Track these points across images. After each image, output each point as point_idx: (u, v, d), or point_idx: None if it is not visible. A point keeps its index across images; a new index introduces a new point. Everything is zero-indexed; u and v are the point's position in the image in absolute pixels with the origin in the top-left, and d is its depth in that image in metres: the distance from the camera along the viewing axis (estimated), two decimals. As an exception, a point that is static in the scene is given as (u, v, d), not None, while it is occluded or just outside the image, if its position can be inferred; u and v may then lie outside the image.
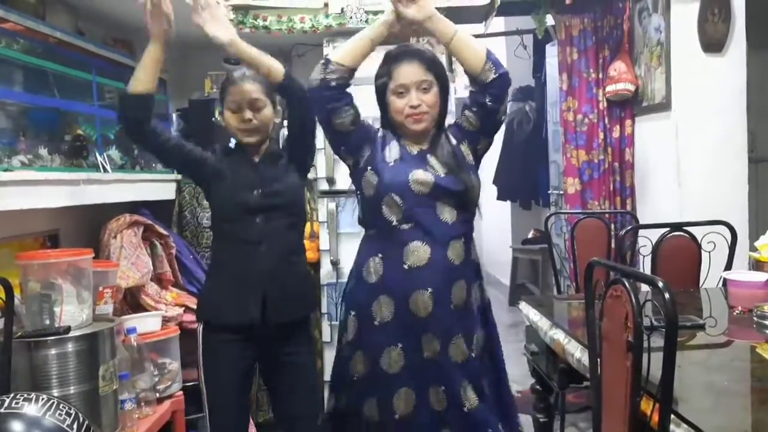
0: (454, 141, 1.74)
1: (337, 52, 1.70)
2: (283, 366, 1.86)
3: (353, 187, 1.81)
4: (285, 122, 2.05)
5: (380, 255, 1.70)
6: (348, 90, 1.71)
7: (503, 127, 4.94)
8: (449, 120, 1.85)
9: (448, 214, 1.67)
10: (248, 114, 1.80)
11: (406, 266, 1.66)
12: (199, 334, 1.86)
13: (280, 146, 2.00)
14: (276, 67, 1.76)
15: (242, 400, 1.87)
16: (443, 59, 1.86)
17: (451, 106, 2.33)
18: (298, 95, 1.78)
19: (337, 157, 2.75)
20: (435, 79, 1.69)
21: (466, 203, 1.71)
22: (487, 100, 1.66)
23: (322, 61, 1.69)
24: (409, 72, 1.67)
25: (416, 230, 1.66)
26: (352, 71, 1.70)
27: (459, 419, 1.67)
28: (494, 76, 1.63)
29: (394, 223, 1.68)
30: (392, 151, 1.72)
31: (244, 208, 1.81)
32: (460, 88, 3.76)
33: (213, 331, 1.83)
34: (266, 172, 1.85)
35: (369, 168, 1.72)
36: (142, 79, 1.71)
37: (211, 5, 1.71)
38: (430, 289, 1.65)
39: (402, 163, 1.70)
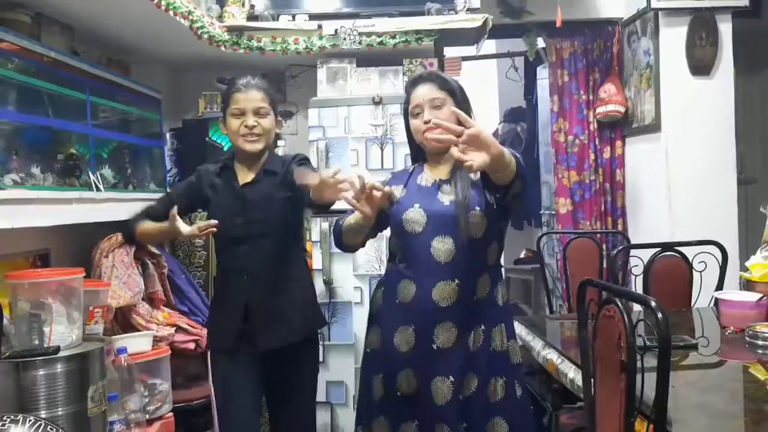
0: (476, 176, 1.66)
1: (343, 238, 1.77)
2: (280, 386, 1.88)
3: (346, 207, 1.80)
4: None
5: (382, 288, 1.77)
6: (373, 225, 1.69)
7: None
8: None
9: (442, 254, 1.62)
10: (251, 120, 1.83)
11: (397, 301, 1.67)
12: (209, 359, 1.97)
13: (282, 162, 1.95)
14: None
15: (249, 420, 1.88)
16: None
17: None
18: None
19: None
20: (448, 96, 1.70)
21: (467, 239, 1.62)
22: (504, 203, 1.63)
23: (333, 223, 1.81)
24: (422, 92, 1.71)
25: (408, 269, 1.67)
26: (362, 244, 1.80)
27: None
28: (517, 190, 1.56)
29: (396, 260, 1.73)
30: (404, 188, 1.74)
31: (228, 237, 1.84)
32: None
33: (217, 356, 1.94)
34: (252, 195, 1.85)
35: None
36: (145, 237, 1.97)
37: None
38: (411, 327, 1.64)
39: (405, 199, 1.71)
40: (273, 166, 1.90)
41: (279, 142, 2.04)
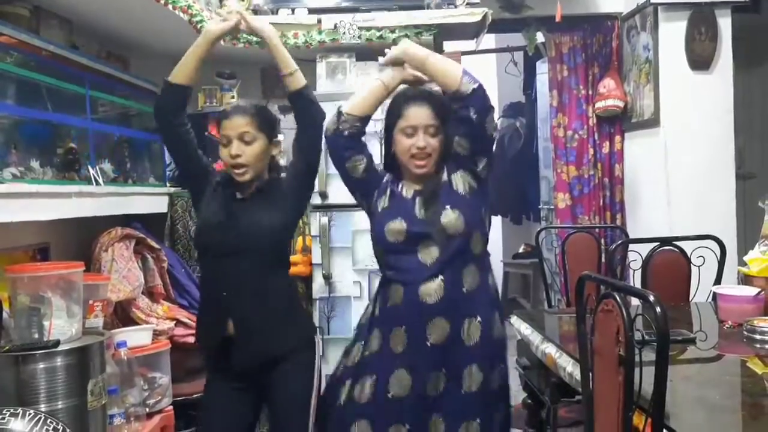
0: (445, 176, 1.74)
1: (349, 103, 1.76)
2: (273, 391, 1.80)
3: (345, 202, 1.84)
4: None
5: (380, 294, 1.77)
6: (362, 138, 1.77)
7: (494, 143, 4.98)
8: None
9: (428, 256, 1.67)
10: (235, 149, 1.73)
11: (388, 305, 1.71)
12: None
13: (280, 174, 1.90)
14: (300, 74, 1.79)
15: (230, 423, 1.82)
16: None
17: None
18: (311, 109, 1.79)
19: (330, 172, 2.78)
20: (441, 125, 1.71)
21: (447, 240, 1.67)
22: (472, 113, 1.65)
23: (335, 112, 1.76)
24: (419, 114, 1.70)
25: (395, 273, 1.71)
26: (364, 120, 1.76)
27: None
28: (474, 87, 1.65)
29: (383, 268, 1.76)
30: (384, 199, 1.77)
31: (214, 249, 1.77)
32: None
33: (206, 357, 1.89)
34: (244, 211, 1.78)
35: (370, 214, 1.81)
36: (185, 73, 1.77)
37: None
38: (404, 327, 1.67)
39: (387, 211, 1.74)
40: (267, 186, 1.82)
41: (279, 136, 2.01)
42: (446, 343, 1.65)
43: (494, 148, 1.84)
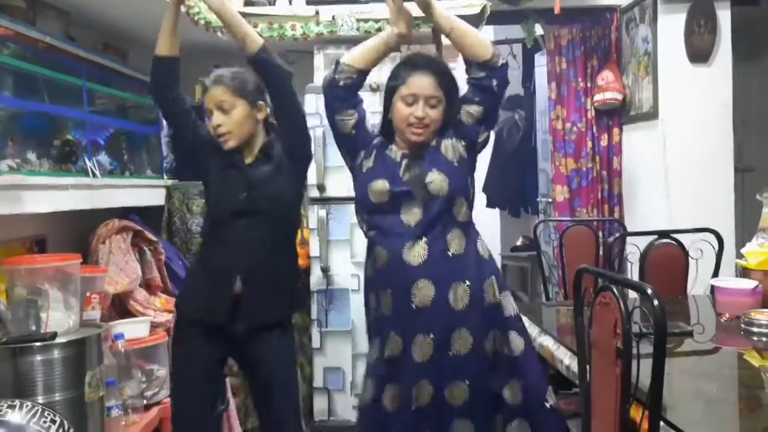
0: (434, 141, 1.74)
1: (348, 54, 1.76)
2: (259, 371, 1.86)
3: (343, 194, 1.84)
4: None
5: (369, 258, 1.79)
6: (357, 93, 1.77)
7: (493, 136, 4.97)
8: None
9: (411, 217, 1.68)
10: (216, 119, 1.80)
11: (375, 268, 1.74)
12: (172, 325, 1.91)
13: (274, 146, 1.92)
14: (253, 38, 1.77)
15: (204, 392, 1.86)
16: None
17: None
18: (273, 72, 1.78)
19: (327, 165, 2.78)
20: (444, 96, 1.71)
21: (430, 202, 1.68)
22: (495, 84, 1.69)
23: (334, 63, 1.75)
24: (422, 83, 1.69)
25: (378, 235, 1.73)
26: (362, 73, 1.75)
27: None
28: (503, 61, 1.70)
29: (365, 228, 1.78)
30: (372, 159, 1.76)
31: (230, 211, 1.82)
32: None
33: (184, 323, 1.88)
34: (256, 174, 1.83)
35: (354, 175, 1.80)
36: (164, 43, 1.80)
37: None
38: (389, 290, 1.69)
39: (372, 172, 1.74)
40: (269, 151, 1.86)
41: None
42: (432, 307, 1.66)
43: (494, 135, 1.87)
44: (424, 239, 1.67)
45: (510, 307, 1.76)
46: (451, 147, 1.73)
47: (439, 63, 1.76)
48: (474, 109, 1.71)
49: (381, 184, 1.70)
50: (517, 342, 1.73)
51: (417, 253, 1.66)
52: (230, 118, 1.79)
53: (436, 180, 1.68)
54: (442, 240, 1.68)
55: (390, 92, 1.75)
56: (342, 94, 1.74)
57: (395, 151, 1.76)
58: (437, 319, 1.66)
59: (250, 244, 1.81)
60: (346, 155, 1.83)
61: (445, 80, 1.71)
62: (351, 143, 1.79)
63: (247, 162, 1.85)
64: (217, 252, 1.86)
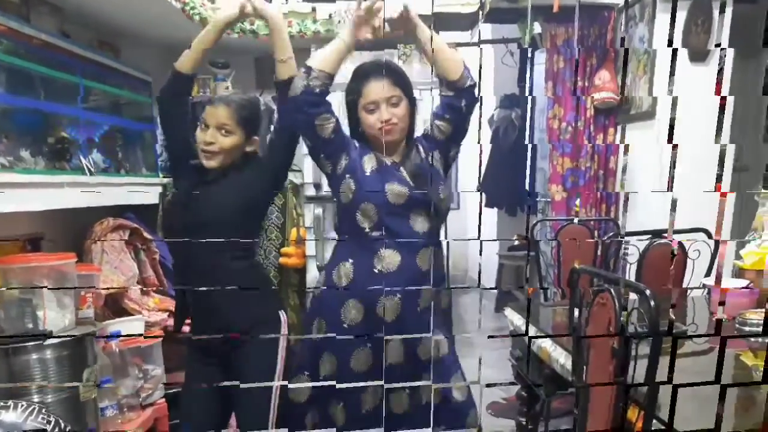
0: (423, 153, 1.80)
1: (318, 59, 1.71)
2: (237, 369, 1.83)
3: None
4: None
5: (351, 260, 1.76)
6: (328, 98, 1.74)
7: (490, 134, 4.97)
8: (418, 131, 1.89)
9: (419, 225, 1.74)
10: (210, 136, 1.78)
11: (376, 270, 1.72)
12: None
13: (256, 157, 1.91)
14: (290, 63, 1.77)
15: (206, 396, 1.84)
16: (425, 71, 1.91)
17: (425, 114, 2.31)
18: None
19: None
20: (403, 94, 1.75)
21: (437, 214, 1.78)
22: (463, 104, 1.73)
23: (304, 69, 1.71)
24: (377, 89, 1.72)
25: (388, 238, 1.74)
26: (332, 78, 1.73)
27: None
28: (471, 83, 1.72)
29: (366, 229, 1.75)
30: (369, 161, 1.77)
31: (183, 226, 1.79)
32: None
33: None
34: (219, 184, 1.80)
35: (347, 176, 1.76)
36: (192, 60, 1.79)
37: None
38: (399, 295, 1.72)
39: (378, 174, 1.75)
40: (238, 164, 1.84)
41: (272, 127, 1.99)
42: (396, 271, 1.72)
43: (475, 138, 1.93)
44: (431, 249, 1.75)
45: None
46: (438, 161, 1.81)
47: (388, 64, 1.77)
48: (444, 127, 1.78)
49: (398, 188, 1.73)
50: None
51: (426, 261, 1.73)
52: (224, 142, 1.79)
53: (447, 194, 1.79)
54: (438, 253, 1.79)
55: (352, 106, 1.79)
56: (318, 100, 1.70)
57: (385, 158, 1.78)
58: (402, 281, 1.73)
59: (200, 259, 1.78)
60: (325, 160, 1.78)
61: (399, 78, 1.75)
62: (330, 147, 1.75)
63: (209, 178, 1.83)
64: (178, 265, 1.90)
